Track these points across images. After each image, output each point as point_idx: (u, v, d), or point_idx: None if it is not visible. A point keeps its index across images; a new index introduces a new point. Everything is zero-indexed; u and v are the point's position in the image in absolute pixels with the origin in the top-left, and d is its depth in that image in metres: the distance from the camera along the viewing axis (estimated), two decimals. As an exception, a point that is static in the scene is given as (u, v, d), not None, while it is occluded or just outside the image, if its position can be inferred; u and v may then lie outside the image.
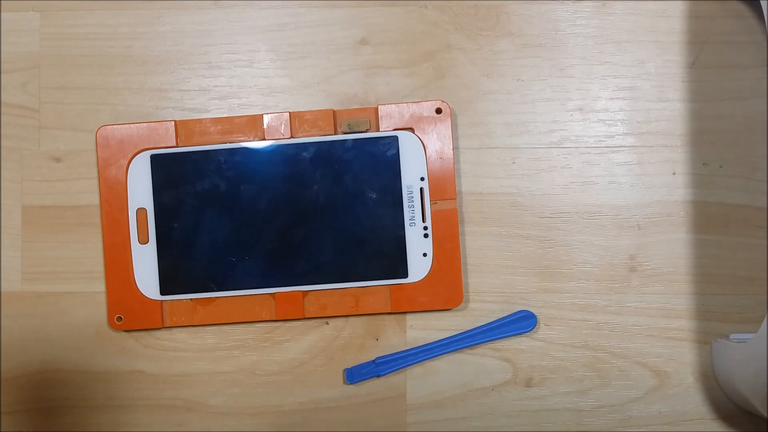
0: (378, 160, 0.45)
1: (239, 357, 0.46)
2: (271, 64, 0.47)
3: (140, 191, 0.45)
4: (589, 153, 0.46)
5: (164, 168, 0.45)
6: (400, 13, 0.47)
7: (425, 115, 0.45)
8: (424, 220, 0.45)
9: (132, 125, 0.46)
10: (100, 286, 0.46)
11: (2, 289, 0.46)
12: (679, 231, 0.46)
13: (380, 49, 0.47)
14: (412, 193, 0.45)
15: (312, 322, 0.46)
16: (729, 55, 0.46)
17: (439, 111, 0.45)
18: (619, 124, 0.46)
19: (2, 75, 0.47)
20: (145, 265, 0.45)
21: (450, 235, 0.45)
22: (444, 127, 0.45)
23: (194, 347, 0.46)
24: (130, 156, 0.45)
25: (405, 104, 0.45)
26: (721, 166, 0.46)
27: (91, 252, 0.46)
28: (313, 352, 0.46)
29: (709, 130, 0.46)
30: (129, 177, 0.45)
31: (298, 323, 0.46)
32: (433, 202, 0.45)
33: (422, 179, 0.45)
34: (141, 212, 0.45)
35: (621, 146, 0.46)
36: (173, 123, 0.45)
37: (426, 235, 0.45)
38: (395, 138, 0.45)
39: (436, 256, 0.45)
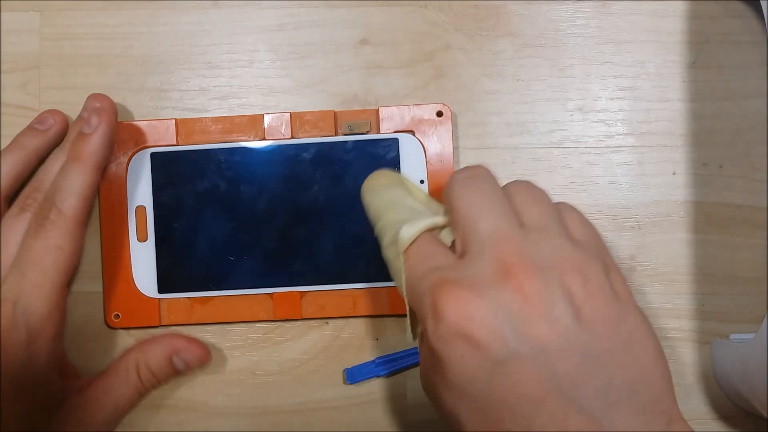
0: (378, 162, 0.45)
1: (239, 357, 0.46)
2: (271, 64, 0.47)
3: (140, 189, 0.45)
4: (589, 153, 0.46)
5: (164, 166, 0.45)
6: (400, 13, 0.47)
7: (426, 117, 0.45)
8: (423, 222, 0.45)
9: (132, 123, 0.46)
10: (99, 286, 0.46)
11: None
12: (679, 231, 0.46)
13: (380, 49, 0.47)
14: (412, 195, 0.45)
15: (312, 322, 0.46)
16: (729, 55, 0.46)
17: (439, 114, 0.45)
18: (619, 124, 0.46)
19: (2, 75, 0.47)
20: (143, 263, 0.45)
21: (449, 236, 0.45)
22: (444, 130, 0.45)
23: (194, 347, 0.46)
24: (130, 154, 0.45)
25: (406, 107, 0.45)
26: (721, 166, 0.46)
27: (90, 252, 0.46)
28: (313, 353, 0.46)
29: (709, 130, 0.46)
30: (129, 175, 0.45)
31: (298, 323, 0.46)
32: (432, 204, 0.45)
33: (422, 182, 0.45)
34: (140, 210, 0.45)
35: (621, 146, 0.46)
36: (174, 121, 0.45)
37: (426, 237, 0.45)
38: (396, 140, 0.45)
39: (436, 257, 0.45)
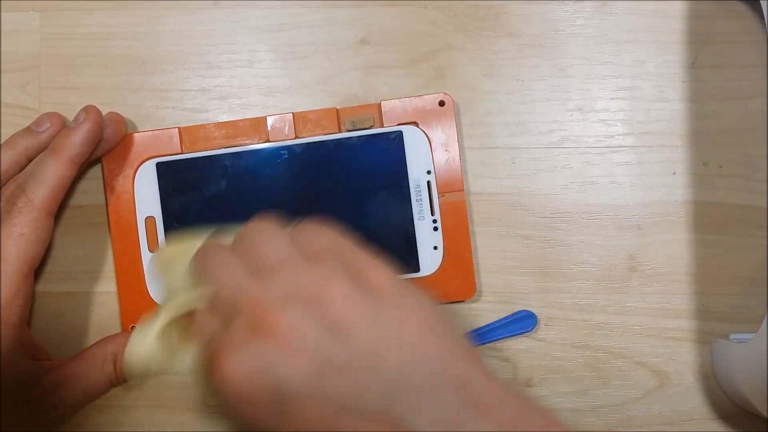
0: (384, 156, 0.45)
1: (239, 357, 0.46)
2: (271, 64, 0.47)
3: (148, 200, 0.45)
4: (589, 153, 0.46)
5: (170, 175, 0.45)
6: (400, 13, 0.47)
7: (428, 108, 0.45)
8: (432, 213, 0.45)
9: (136, 134, 0.45)
10: (101, 287, 0.46)
11: (2, 290, 0.46)
12: (679, 231, 0.46)
13: (380, 49, 0.47)
14: (419, 187, 0.45)
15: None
16: (729, 55, 0.46)
17: (442, 103, 0.45)
18: (619, 124, 0.46)
19: (2, 75, 0.47)
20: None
21: (460, 227, 0.45)
22: (448, 120, 0.45)
23: (194, 347, 0.46)
24: (135, 165, 0.45)
25: (408, 98, 0.45)
26: (721, 166, 0.46)
27: (91, 252, 0.46)
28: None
29: (709, 130, 0.46)
30: (136, 186, 0.45)
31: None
32: (440, 194, 0.45)
33: (429, 172, 0.45)
34: (149, 221, 0.45)
35: (621, 146, 0.46)
36: (177, 130, 0.45)
37: (436, 228, 0.45)
38: (400, 133, 0.45)
39: (446, 248, 0.45)
